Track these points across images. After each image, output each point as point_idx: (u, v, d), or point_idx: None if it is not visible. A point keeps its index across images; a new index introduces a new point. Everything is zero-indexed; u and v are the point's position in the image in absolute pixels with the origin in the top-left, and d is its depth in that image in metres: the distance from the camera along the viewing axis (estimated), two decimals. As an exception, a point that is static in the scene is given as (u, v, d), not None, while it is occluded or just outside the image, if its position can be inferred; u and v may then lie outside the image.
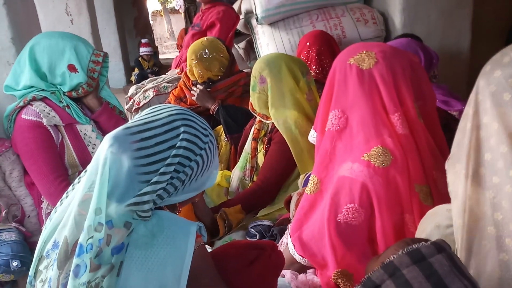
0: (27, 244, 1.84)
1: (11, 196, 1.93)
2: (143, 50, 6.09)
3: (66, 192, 1.07)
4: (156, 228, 0.94)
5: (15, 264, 1.69)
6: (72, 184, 1.07)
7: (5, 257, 1.69)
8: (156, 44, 8.14)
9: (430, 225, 1.04)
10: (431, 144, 1.26)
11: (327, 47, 2.58)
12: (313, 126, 1.49)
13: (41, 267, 0.99)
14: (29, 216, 1.95)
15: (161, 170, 0.95)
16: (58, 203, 1.06)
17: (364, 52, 1.27)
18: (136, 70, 5.79)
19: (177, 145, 0.97)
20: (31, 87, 1.83)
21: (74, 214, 0.95)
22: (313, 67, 2.47)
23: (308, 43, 2.59)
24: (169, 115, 1.00)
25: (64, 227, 0.97)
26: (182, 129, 0.99)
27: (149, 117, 1.00)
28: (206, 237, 1.01)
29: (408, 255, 0.79)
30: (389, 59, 1.25)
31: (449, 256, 0.80)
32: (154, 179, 0.95)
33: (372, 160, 1.21)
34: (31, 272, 1.01)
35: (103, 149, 0.95)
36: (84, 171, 1.04)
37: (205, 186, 1.09)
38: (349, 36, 2.85)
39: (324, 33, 2.70)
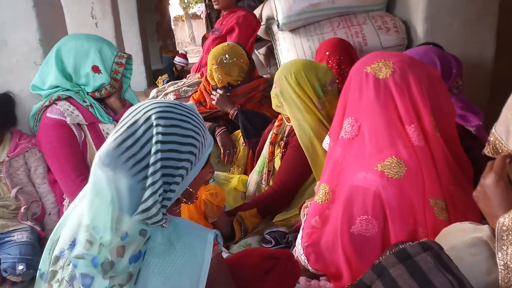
0: (38, 245, 1.86)
1: (33, 193, 1.98)
2: (179, 60, 6.17)
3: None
4: (174, 236, 0.94)
5: (21, 268, 1.72)
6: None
7: (12, 259, 1.74)
8: (177, 49, 8.22)
9: (445, 246, 1.01)
10: (448, 158, 1.24)
11: (346, 56, 2.57)
12: (328, 133, 1.48)
13: (55, 268, 0.98)
14: (50, 214, 2.01)
15: (150, 171, 0.92)
16: (67, 211, 1.06)
17: (382, 61, 1.26)
18: (166, 76, 5.86)
19: (154, 141, 0.94)
20: (57, 87, 1.89)
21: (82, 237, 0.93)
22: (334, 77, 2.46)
23: (327, 53, 2.58)
24: (144, 113, 0.97)
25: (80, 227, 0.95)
26: (155, 122, 0.95)
27: (129, 121, 0.97)
28: (222, 244, 1.01)
29: (395, 255, 0.82)
30: (406, 70, 1.24)
31: (434, 254, 0.82)
32: (149, 182, 0.92)
33: (386, 171, 1.20)
34: (39, 275, 1.02)
35: (99, 171, 0.93)
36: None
37: (205, 158, 1.05)
38: (370, 44, 2.84)
39: (342, 41, 2.68)
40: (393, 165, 1.19)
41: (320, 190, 1.34)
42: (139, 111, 0.98)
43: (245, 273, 1.10)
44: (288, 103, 1.93)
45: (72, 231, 0.97)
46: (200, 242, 0.95)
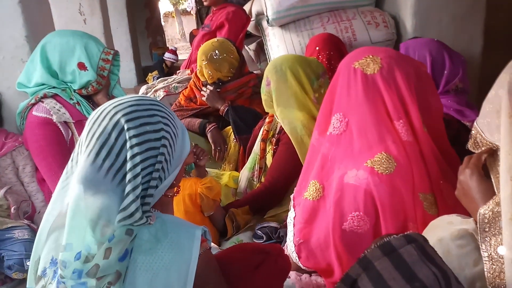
0: None
1: (22, 192, 1.95)
2: (168, 56, 6.11)
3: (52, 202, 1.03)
4: (160, 233, 0.93)
5: (28, 264, 1.70)
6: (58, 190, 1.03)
7: (18, 256, 1.71)
8: (168, 45, 8.17)
9: (432, 238, 1.02)
10: (436, 153, 1.24)
11: (336, 51, 2.57)
12: (313, 123, 1.48)
13: (38, 287, 0.97)
14: (39, 212, 1.98)
15: (129, 177, 0.90)
16: (46, 214, 1.03)
17: (370, 56, 1.26)
18: (156, 73, 5.82)
19: (129, 146, 0.92)
20: (43, 84, 1.86)
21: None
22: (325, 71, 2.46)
23: (317, 48, 2.58)
24: (111, 118, 0.93)
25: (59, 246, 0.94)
26: (125, 126, 0.92)
27: (97, 131, 0.93)
28: (211, 241, 1.00)
29: (380, 248, 0.83)
30: (394, 66, 1.24)
31: (419, 246, 0.83)
32: (129, 188, 0.90)
33: (375, 167, 1.20)
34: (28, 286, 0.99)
35: (79, 195, 0.90)
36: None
37: (185, 152, 1.03)
38: (360, 39, 2.84)
39: (332, 36, 2.69)
40: (383, 160, 1.19)
41: (310, 186, 1.34)
42: (105, 117, 0.94)
43: (235, 268, 1.10)
44: (280, 100, 1.91)
45: (50, 249, 0.96)
46: (187, 239, 0.94)
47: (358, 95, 1.24)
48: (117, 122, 0.93)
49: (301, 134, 1.87)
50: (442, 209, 1.20)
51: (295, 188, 1.50)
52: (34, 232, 1.87)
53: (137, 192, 0.90)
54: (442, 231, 1.02)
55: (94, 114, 0.98)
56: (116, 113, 0.94)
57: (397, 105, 1.22)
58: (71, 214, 0.91)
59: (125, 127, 0.92)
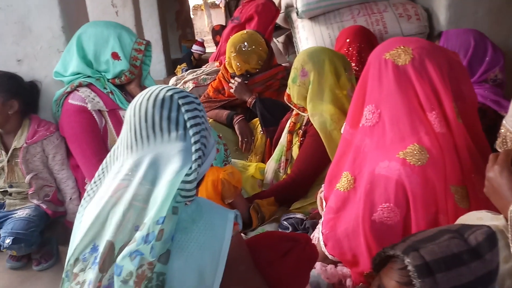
0: (39, 221, 1.92)
1: (47, 179, 2.03)
2: (196, 48, 6.16)
3: (90, 188, 1.08)
4: (196, 214, 0.96)
5: (7, 242, 1.80)
6: (94, 182, 1.08)
7: (4, 233, 1.81)
8: (196, 38, 8.24)
9: None
10: (470, 145, 1.22)
11: (367, 44, 2.54)
12: (344, 118, 1.47)
13: (76, 270, 1.00)
14: (71, 198, 2.06)
15: (195, 148, 0.97)
16: (84, 199, 1.07)
17: (401, 47, 1.24)
18: (184, 65, 5.89)
19: (190, 124, 1.00)
20: (78, 73, 1.92)
21: (118, 217, 0.95)
22: (353, 65, 2.44)
23: (348, 40, 2.56)
24: (158, 93, 1.02)
25: (103, 230, 0.97)
26: (180, 102, 1.01)
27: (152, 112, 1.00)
28: (241, 225, 1.03)
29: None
30: (426, 56, 1.21)
31: None
32: (194, 157, 0.97)
33: (407, 158, 1.18)
34: (65, 273, 1.03)
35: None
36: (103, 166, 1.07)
37: (212, 141, 1.09)
38: (391, 32, 2.80)
39: (363, 28, 2.65)
40: (415, 152, 1.17)
41: (343, 178, 1.34)
42: (151, 95, 1.02)
43: (264, 254, 1.12)
44: (315, 92, 1.89)
45: (92, 236, 0.99)
46: (221, 220, 0.97)
47: (390, 87, 1.23)
48: (164, 96, 1.01)
49: (330, 129, 1.85)
50: (474, 203, 1.17)
51: (325, 180, 1.50)
52: (38, 212, 1.95)
53: (196, 164, 0.97)
54: None
55: (136, 102, 1.04)
56: (165, 89, 1.02)
57: (429, 96, 1.19)
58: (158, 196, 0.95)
59: (175, 98, 1.01)
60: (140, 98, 1.04)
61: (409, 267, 0.83)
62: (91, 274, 0.95)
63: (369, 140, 1.28)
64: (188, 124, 0.99)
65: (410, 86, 1.21)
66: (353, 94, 1.87)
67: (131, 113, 1.03)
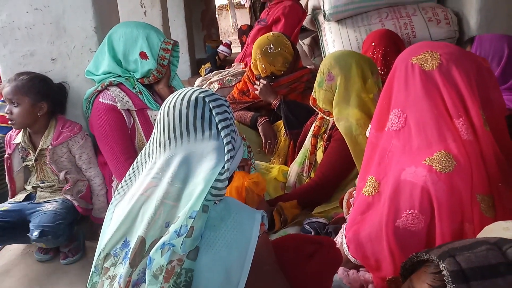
0: (67, 216, 1.95)
1: (79, 175, 2.08)
2: (223, 49, 6.20)
3: (121, 186, 1.11)
4: (224, 212, 0.98)
5: (35, 234, 1.83)
6: (128, 178, 1.11)
7: (32, 226, 1.85)
8: (221, 38, 8.29)
9: None
10: (497, 154, 1.19)
11: (393, 48, 2.52)
12: (370, 122, 1.46)
13: (107, 264, 1.03)
14: (97, 195, 2.11)
15: (227, 148, 1.01)
16: (115, 196, 1.11)
17: (428, 52, 1.22)
18: (208, 65, 5.93)
19: (218, 119, 1.04)
20: (109, 73, 1.97)
21: (149, 214, 0.98)
22: (378, 68, 2.42)
23: (373, 44, 2.54)
24: (189, 96, 1.06)
25: (134, 226, 1.01)
26: (207, 99, 1.06)
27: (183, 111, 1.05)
28: (267, 226, 1.04)
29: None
30: (453, 62, 1.19)
31: None
32: (226, 149, 1.01)
33: (434, 165, 1.17)
34: (94, 267, 1.06)
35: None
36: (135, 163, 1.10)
37: (239, 141, 1.12)
38: (419, 36, 2.76)
39: (390, 32, 2.62)
40: (442, 159, 1.16)
41: (368, 182, 1.33)
42: (183, 98, 1.06)
43: (289, 255, 1.13)
44: (341, 96, 1.88)
45: (124, 231, 1.02)
46: (248, 220, 0.99)
47: (417, 92, 1.21)
48: (197, 97, 1.05)
49: (356, 134, 1.84)
50: (500, 212, 1.15)
51: (356, 185, 1.50)
52: (66, 206, 1.98)
53: (228, 163, 1.01)
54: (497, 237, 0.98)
55: (169, 102, 1.08)
56: (197, 91, 1.07)
57: (456, 103, 1.18)
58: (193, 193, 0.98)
59: (207, 100, 1.05)
60: (174, 98, 1.07)
61: (444, 272, 0.82)
62: (121, 269, 0.98)
63: (395, 145, 1.27)
64: (220, 126, 1.02)
65: (437, 91, 1.20)
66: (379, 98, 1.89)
67: (164, 113, 1.06)
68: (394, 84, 1.28)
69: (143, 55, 1.95)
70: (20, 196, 2.04)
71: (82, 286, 1.81)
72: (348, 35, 2.88)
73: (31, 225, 1.87)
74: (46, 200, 2.01)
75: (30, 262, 2.07)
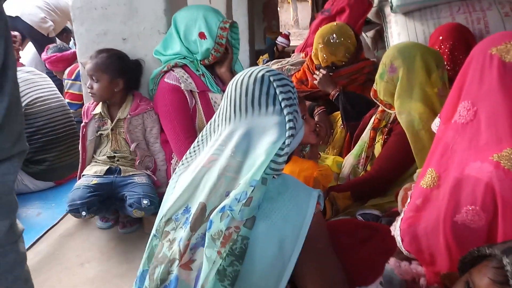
0: (155, 188, 2.06)
1: (146, 150, 2.20)
2: (281, 41, 6.20)
3: (185, 158, 1.16)
4: (282, 187, 1.01)
5: (145, 202, 1.93)
6: (192, 150, 1.16)
7: (137, 195, 1.95)
8: (281, 30, 8.28)
9: None
10: None
11: (462, 42, 2.38)
12: (439, 114, 1.40)
13: (167, 228, 1.07)
14: (159, 170, 2.22)
15: (289, 126, 1.02)
16: (179, 167, 1.16)
17: (511, 43, 1.15)
18: (266, 56, 5.96)
19: (281, 98, 1.07)
20: (175, 54, 2.05)
21: (211, 182, 1.02)
22: (445, 63, 2.31)
23: (441, 37, 2.42)
24: (256, 75, 1.09)
25: (196, 194, 1.04)
26: (271, 79, 1.09)
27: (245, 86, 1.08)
28: (322, 206, 1.05)
29: None
30: None
31: None
32: (288, 126, 1.03)
33: (502, 162, 1.11)
34: (155, 231, 1.11)
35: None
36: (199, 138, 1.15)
37: (301, 121, 1.13)
38: (493, 32, 2.60)
39: (460, 26, 2.49)
40: (511, 156, 1.10)
41: (427, 174, 1.29)
42: (250, 77, 1.09)
43: (342, 238, 1.13)
44: (403, 89, 1.82)
45: (186, 198, 1.06)
46: (305, 196, 1.01)
47: (492, 84, 1.15)
48: (263, 75, 1.08)
49: (418, 129, 1.78)
50: None
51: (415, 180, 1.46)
52: (151, 179, 2.10)
53: (289, 138, 1.02)
54: None
55: (237, 79, 1.12)
56: (264, 69, 1.10)
57: None
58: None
59: (272, 80, 1.08)
60: (241, 76, 1.11)
61: (507, 267, 0.80)
62: (182, 232, 1.03)
63: (460, 138, 1.21)
64: (283, 104, 1.04)
65: None
66: (443, 93, 1.81)
67: (232, 88, 1.11)
68: (468, 75, 1.22)
69: (201, 35, 2.00)
70: (102, 169, 2.13)
71: (137, 254, 1.92)
72: (415, 28, 2.77)
73: (132, 195, 1.96)
74: (130, 174, 2.12)
75: (91, 228, 2.22)
